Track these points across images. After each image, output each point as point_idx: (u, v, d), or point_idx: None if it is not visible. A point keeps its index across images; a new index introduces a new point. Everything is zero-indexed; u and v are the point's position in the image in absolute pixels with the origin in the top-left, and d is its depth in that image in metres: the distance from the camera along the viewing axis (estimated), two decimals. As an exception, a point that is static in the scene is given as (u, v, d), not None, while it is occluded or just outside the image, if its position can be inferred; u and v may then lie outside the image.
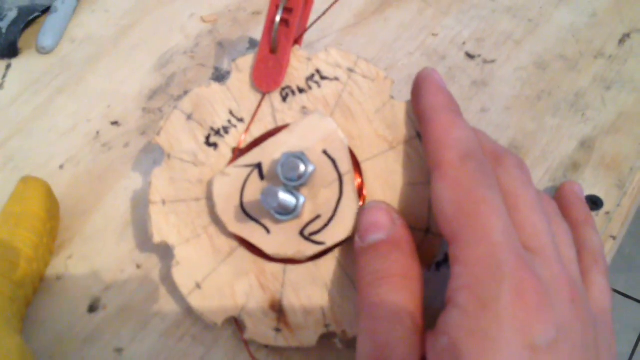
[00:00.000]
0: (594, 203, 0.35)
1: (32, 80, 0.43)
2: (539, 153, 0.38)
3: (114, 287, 0.34)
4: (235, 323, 0.31)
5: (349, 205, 0.29)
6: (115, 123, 0.40)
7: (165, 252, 0.34)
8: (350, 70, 0.32)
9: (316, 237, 0.29)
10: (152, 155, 0.38)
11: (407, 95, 0.32)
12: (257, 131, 0.32)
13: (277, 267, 0.30)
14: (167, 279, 0.34)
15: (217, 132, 0.32)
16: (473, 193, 0.24)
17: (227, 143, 0.32)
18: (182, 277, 0.31)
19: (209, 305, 0.30)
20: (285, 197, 0.28)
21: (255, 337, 0.30)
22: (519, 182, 0.26)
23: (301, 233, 0.30)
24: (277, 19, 0.31)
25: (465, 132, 0.27)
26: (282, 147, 0.30)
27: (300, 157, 0.29)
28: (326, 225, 0.29)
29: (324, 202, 0.30)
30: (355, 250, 0.28)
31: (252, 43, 0.44)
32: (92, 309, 0.33)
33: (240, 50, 0.44)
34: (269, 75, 0.32)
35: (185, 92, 0.41)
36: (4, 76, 0.43)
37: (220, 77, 0.42)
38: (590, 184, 0.36)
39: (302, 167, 0.28)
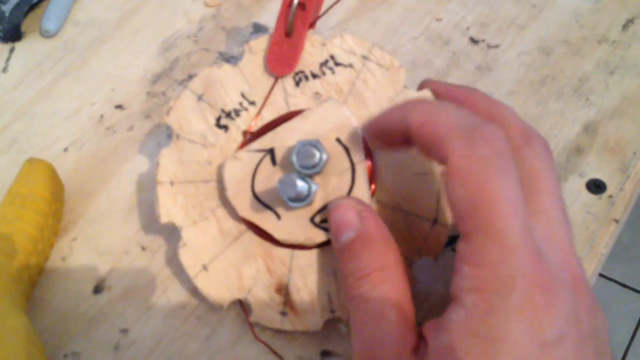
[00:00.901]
0: (597, 187, 0.36)
1: (36, 64, 0.42)
2: (543, 137, 0.38)
3: (119, 268, 0.34)
4: (241, 305, 0.31)
5: (361, 194, 0.29)
6: (119, 106, 0.40)
7: (170, 234, 0.34)
8: (365, 57, 0.32)
9: (327, 225, 0.29)
10: (156, 138, 0.39)
11: (410, 80, 0.33)
12: (268, 115, 0.32)
13: (284, 252, 0.30)
14: (172, 261, 0.34)
15: (228, 114, 0.32)
16: (488, 188, 0.22)
17: (238, 126, 0.32)
18: (189, 258, 0.31)
19: (215, 287, 0.30)
20: (301, 186, 0.28)
21: (261, 320, 0.30)
22: (544, 165, 0.26)
23: (312, 220, 0.30)
24: (295, 2, 0.31)
25: (452, 111, 0.25)
26: (296, 133, 0.30)
27: (316, 145, 0.28)
28: None
29: (336, 189, 0.30)
30: (334, 252, 0.28)
31: (256, 27, 0.44)
32: (97, 289, 0.33)
33: (244, 34, 0.44)
34: (282, 59, 0.32)
35: (189, 76, 0.41)
36: (8, 59, 0.43)
37: (224, 61, 0.42)
38: (593, 168, 0.37)
39: (317, 156, 0.28)
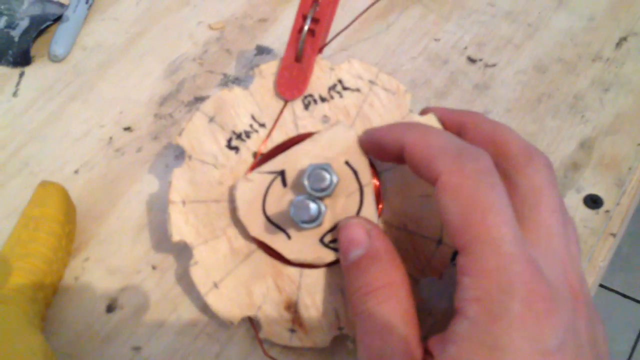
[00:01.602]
0: (594, 202, 0.37)
1: (45, 88, 0.44)
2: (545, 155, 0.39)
3: (130, 287, 0.35)
4: (250, 322, 0.32)
5: (369, 215, 0.31)
6: (127, 129, 0.41)
7: (180, 253, 0.35)
8: (372, 82, 0.33)
9: (336, 245, 0.30)
10: (164, 159, 0.40)
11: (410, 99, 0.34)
12: (278, 137, 0.33)
13: (293, 271, 0.31)
14: (183, 279, 0.35)
15: (239, 136, 0.33)
16: (479, 201, 0.24)
17: (249, 147, 0.33)
18: (200, 276, 0.32)
19: (225, 304, 0.31)
20: (314, 208, 0.29)
21: (271, 337, 0.31)
22: (546, 182, 0.26)
23: (321, 240, 0.31)
24: (306, 28, 0.32)
25: (443, 136, 0.27)
26: (306, 155, 0.31)
27: (327, 168, 0.29)
28: None
29: (344, 211, 0.31)
30: (342, 269, 0.29)
31: (260, 50, 0.45)
32: (110, 309, 0.34)
33: (248, 57, 0.45)
34: (292, 83, 0.33)
35: (195, 98, 0.43)
36: (18, 84, 0.44)
37: (228, 83, 0.43)
38: (590, 183, 0.38)
39: (328, 179, 0.29)
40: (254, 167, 0.32)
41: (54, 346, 0.32)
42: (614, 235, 0.36)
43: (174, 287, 0.35)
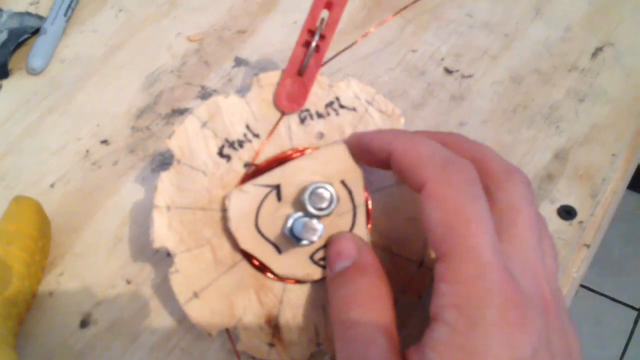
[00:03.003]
0: (568, 213, 0.37)
1: (23, 101, 0.43)
2: (515, 164, 0.38)
3: (105, 302, 0.35)
4: (227, 334, 0.32)
5: (360, 234, 0.31)
6: (104, 142, 0.41)
7: (155, 266, 0.35)
8: (368, 102, 0.34)
9: (325, 262, 0.30)
10: (141, 172, 0.40)
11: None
12: (270, 150, 0.33)
13: (277, 285, 0.31)
14: (157, 293, 0.35)
15: (232, 145, 0.32)
16: (462, 211, 0.25)
17: (240, 157, 0.32)
18: (180, 285, 0.31)
19: (205, 315, 0.31)
20: (320, 229, 0.29)
21: (249, 350, 0.31)
22: (523, 199, 0.27)
23: (311, 257, 0.31)
24: (313, 44, 0.32)
25: (431, 144, 0.27)
26: (303, 172, 0.31)
27: (328, 188, 0.29)
28: None
29: (336, 229, 0.31)
30: (327, 280, 0.30)
31: (238, 61, 0.45)
32: (84, 324, 0.34)
33: (226, 68, 0.45)
34: (292, 97, 0.33)
35: (173, 110, 0.43)
36: (-5, 97, 0.44)
37: (206, 95, 0.43)
38: (564, 194, 0.38)
39: (329, 199, 0.29)
40: (245, 177, 0.32)
41: (27, 362, 0.32)
42: (587, 246, 0.36)
43: (149, 301, 0.35)
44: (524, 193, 0.27)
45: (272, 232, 0.31)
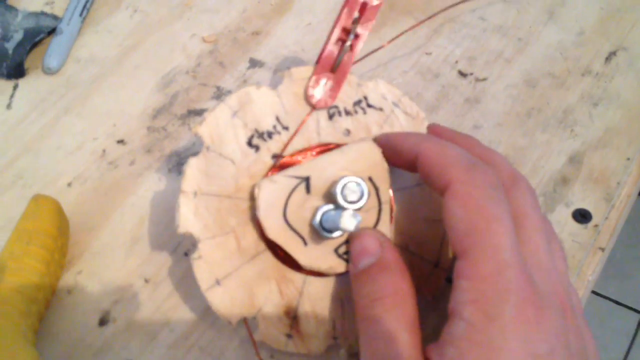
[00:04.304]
0: (583, 216, 0.37)
1: (39, 100, 0.44)
2: (530, 168, 0.40)
3: (123, 300, 0.35)
4: (245, 324, 0.32)
5: (384, 231, 0.31)
6: (120, 141, 0.41)
7: (174, 266, 0.36)
8: (395, 104, 0.34)
9: (348, 257, 0.31)
10: (157, 172, 0.40)
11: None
12: (298, 143, 0.33)
13: (298, 277, 0.32)
14: (175, 292, 0.35)
15: (261, 135, 0.32)
16: (485, 210, 0.26)
17: (269, 148, 0.32)
18: (203, 271, 0.31)
19: (226, 303, 0.31)
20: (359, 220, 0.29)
21: (266, 340, 0.31)
22: (529, 205, 0.28)
23: (335, 251, 0.31)
24: (348, 44, 0.33)
25: (457, 149, 0.28)
26: (333, 166, 0.31)
27: (360, 183, 0.30)
28: None
29: (362, 225, 0.31)
30: (350, 276, 0.30)
31: (252, 62, 0.46)
32: (102, 322, 0.34)
33: (241, 69, 0.45)
34: (323, 92, 0.33)
35: (189, 111, 0.43)
36: (12, 96, 0.44)
37: (221, 95, 0.44)
38: (579, 198, 0.38)
39: (360, 193, 0.30)
40: (273, 168, 0.32)
41: (46, 359, 0.33)
42: (602, 249, 0.36)
43: (167, 300, 0.35)
44: (530, 198, 0.28)
45: (300, 223, 0.31)
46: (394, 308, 0.27)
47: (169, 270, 0.36)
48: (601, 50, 0.46)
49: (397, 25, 0.47)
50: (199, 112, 0.43)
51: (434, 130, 0.34)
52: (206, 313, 0.34)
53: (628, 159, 0.40)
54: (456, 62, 0.45)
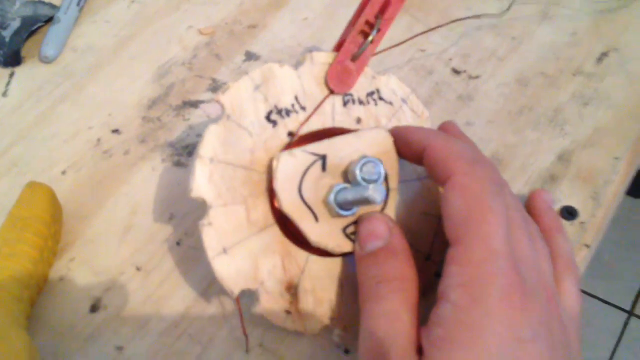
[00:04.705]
0: (570, 213, 0.38)
1: (35, 88, 0.44)
2: (519, 165, 0.40)
3: (114, 288, 0.35)
4: (236, 303, 0.33)
5: (391, 216, 0.32)
6: (115, 131, 0.42)
7: (165, 254, 0.36)
8: (403, 100, 0.36)
9: (355, 237, 0.32)
10: (151, 162, 0.40)
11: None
12: (314, 124, 0.34)
13: (301, 254, 0.32)
14: (167, 281, 0.35)
15: (279, 112, 0.33)
16: (482, 202, 0.27)
17: (286, 125, 0.33)
18: (211, 238, 0.30)
19: (230, 273, 0.31)
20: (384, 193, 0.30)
21: (266, 314, 0.32)
22: (512, 207, 0.29)
23: (344, 230, 0.32)
24: (370, 38, 0.34)
25: (463, 144, 0.29)
26: (349, 147, 0.32)
27: (378, 163, 0.31)
28: None
29: (370, 208, 0.32)
30: (356, 257, 0.31)
31: (248, 55, 0.46)
32: (94, 309, 0.35)
33: (237, 62, 0.46)
34: (342, 78, 0.34)
35: (184, 102, 0.43)
36: (8, 84, 0.44)
37: (217, 87, 0.44)
38: (566, 195, 0.39)
39: (378, 172, 0.31)
40: (289, 145, 0.33)
41: (38, 345, 0.33)
42: (588, 246, 0.37)
43: (158, 288, 0.35)
44: (511, 202, 0.29)
45: (313, 199, 0.31)
46: (398, 291, 0.28)
47: (160, 259, 0.36)
48: (593, 50, 0.46)
49: (395, 23, 0.48)
50: (194, 104, 0.43)
51: (445, 127, 0.35)
52: (196, 301, 0.35)
53: (616, 158, 0.40)
54: (450, 59, 0.46)
